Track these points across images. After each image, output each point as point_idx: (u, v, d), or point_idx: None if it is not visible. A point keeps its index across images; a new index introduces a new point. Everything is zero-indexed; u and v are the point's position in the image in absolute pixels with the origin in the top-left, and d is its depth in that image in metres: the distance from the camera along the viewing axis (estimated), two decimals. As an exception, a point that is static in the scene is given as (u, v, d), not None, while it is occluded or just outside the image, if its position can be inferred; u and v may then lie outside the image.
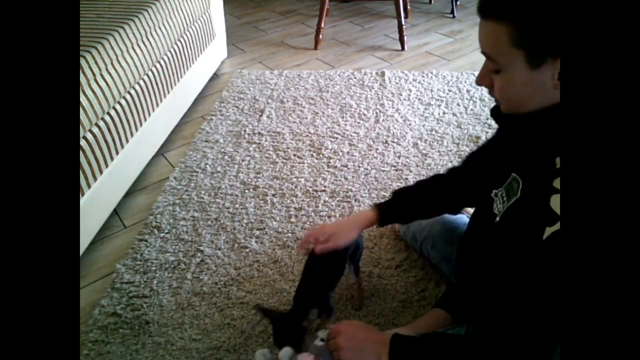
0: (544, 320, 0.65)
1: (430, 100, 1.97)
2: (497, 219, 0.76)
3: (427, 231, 1.19)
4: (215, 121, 1.90)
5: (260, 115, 1.93)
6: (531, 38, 0.64)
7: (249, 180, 1.58)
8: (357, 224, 1.02)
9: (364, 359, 0.78)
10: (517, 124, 0.75)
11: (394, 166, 1.61)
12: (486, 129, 1.77)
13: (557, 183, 0.65)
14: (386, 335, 0.79)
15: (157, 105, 1.66)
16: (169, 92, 1.74)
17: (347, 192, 1.52)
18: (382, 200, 1.06)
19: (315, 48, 2.50)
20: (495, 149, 0.91)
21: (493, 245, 0.79)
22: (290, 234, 1.37)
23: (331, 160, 1.66)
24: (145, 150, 1.62)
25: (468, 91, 2.02)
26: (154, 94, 1.62)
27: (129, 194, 1.54)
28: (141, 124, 1.55)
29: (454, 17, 2.81)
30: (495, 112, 0.78)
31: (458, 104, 1.91)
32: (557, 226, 0.62)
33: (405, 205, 1.05)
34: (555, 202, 0.64)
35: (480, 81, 0.74)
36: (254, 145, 1.75)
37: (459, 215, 1.15)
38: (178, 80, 1.81)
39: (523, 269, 0.68)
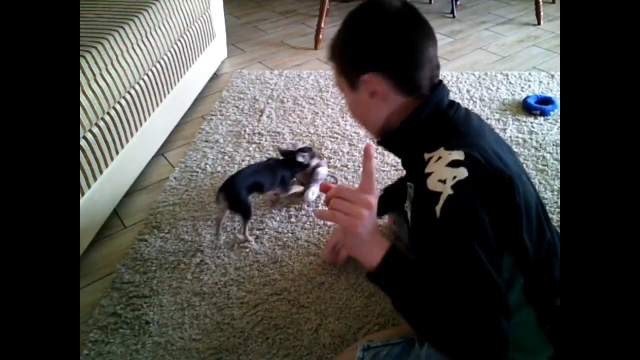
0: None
1: (430, 100, 1.96)
2: (409, 224, 0.85)
3: None
4: (215, 121, 1.90)
5: (260, 115, 1.93)
6: (344, 65, 0.84)
7: (249, 180, 1.58)
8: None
9: (360, 243, 0.75)
10: (390, 144, 0.89)
11: (394, 166, 1.61)
12: (486, 129, 1.77)
13: (427, 169, 0.75)
14: (385, 242, 0.78)
15: (157, 105, 1.66)
16: (169, 92, 1.74)
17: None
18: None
19: (315, 48, 2.49)
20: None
21: (414, 249, 0.86)
22: (290, 234, 1.37)
23: (331, 160, 1.66)
24: (145, 150, 1.62)
25: (468, 91, 2.02)
26: (154, 94, 1.62)
27: (129, 194, 1.54)
28: (141, 124, 1.55)
29: (453, 17, 2.81)
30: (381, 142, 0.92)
31: (458, 104, 1.91)
32: (440, 201, 0.71)
33: (392, 197, 1.19)
34: (431, 181, 0.73)
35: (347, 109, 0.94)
36: (254, 145, 1.75)
37: None
38: (178, 80, 1.81)
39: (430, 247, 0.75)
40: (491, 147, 0.77)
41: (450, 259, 0.70)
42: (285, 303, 1.18)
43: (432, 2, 3.05)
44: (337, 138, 1.77)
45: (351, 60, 0.82)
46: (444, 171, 0.72)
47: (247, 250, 1.33)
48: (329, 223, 1.39)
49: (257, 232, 1.38)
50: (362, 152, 1.68)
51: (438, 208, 0.71)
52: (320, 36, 2.48)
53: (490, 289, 0.69)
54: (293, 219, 1.42)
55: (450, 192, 0.70)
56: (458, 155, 0.73)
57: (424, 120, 0.81)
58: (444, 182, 0.71)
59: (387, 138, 0.88)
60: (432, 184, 0.73)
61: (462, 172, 0.71)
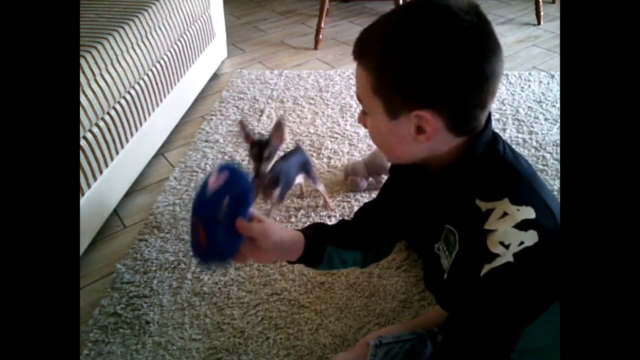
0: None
1: (430, 100, 1.96)
2: (445, 275, 0.75)
3: None
4: (215, 121, 1.90)
5: (260, 115, 1.93)
6: (387, 90, 0.63)
7: (249, 180, 1.58)
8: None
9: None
10: (422, 178, 0.74)
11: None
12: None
13: (489, 225, 0.64)
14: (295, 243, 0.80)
15: (157, 105, 1.66)
16: (169, 92, 1.74)
17: (347, 192, 1.52)
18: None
19: (315, 48, 2.49)
20: (414, 200, 0.84)
21: (446, 297, 0.80)
22: (290, 234, 1.37)
23: (331, 160, 1.66)
24: (145, 150, 1.62)
25: (468, 91, 2.01)
26: (154, 94, 1.62)
27: (129, 194, 1.54)
28: (141, 124, 1.55)
29: (454, 17, 2.80)
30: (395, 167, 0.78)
31: (458, 104, 1.91)
32: (495, 263, 0.62)
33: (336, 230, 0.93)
34: (491, 241, 0.63)
35: (358, 120, 0.73)
36: (254, 145, 1.75)
37: None
38: (178, 80, 1.81)
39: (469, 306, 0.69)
40: (548, 190, 0.68)
41: (483, 317, 0.67)
42: (285, 303, 1.18)
43: (432, 2, 3.05)
44: (337, 138, 1.77)
45: (403, 89, 0.62)
46: (511, 234, 0.62)
47: (247, 250, 1.33)
48: (328, 223, 1.39)
49: (257, 232, 1.38)
50: (362, 152, 1.69)
51: (488, 268, 0.62)
52: (320, 36, 2.48)
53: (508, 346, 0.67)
54: (293, 219, 1.42)
55: (511, 259, 0.61)
56: (528, 213, 0.62)
57: (479, 160, 0.67)
58: (507, 247, 0.61)
59: (421, 176, 0.73)
60: (493, 244, 0.62)
61: (532, 238, 0.61)
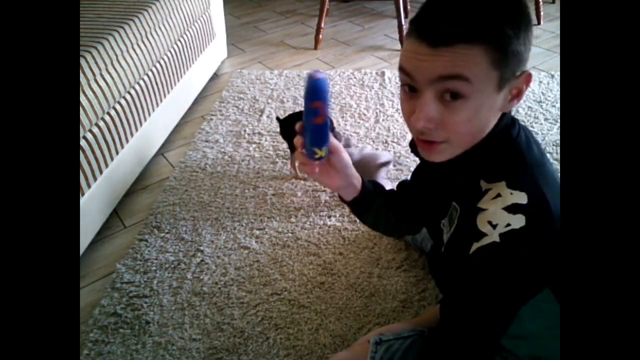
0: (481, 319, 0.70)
1: (430, 100, 1.96)
2: (443, 248, 0.77)
3: (425, 232, 1.19)
4: (215, 121, 1.90)
5: (260, 115, 1.93)
6: (507, 57, 0.62)
7: (249, 180, 1.58)
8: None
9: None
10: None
11: (394, 166, 1.61)
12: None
13: (482, 204, 0.67)
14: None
15: (157, 105, 1.66)
16: (169, 92, 1.74)
17: (347, 192, 1.52)
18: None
19: (315, 48, 2.50)
20: (428, 178, 0.88)
21: (444, 272, 0.82)
22: (290, 234, 1.37)
23: (331, 160, 1.66)
24: (145, 150, 1.62)
25: (468, 91, 2.01)
26: (154, 94, 1.62)
27: (129, 194, 1.54)
28: (141, 124, 1.55)
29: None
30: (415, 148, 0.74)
31: (458, 104, 1.91)
32: (482, 242, 0.64)
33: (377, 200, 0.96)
34: (481, 219, 0.66)
35: (429, 122, 0.63)
36: (254, 145, 1.75)
37: None
38: (178, 80, 1.81)
39: (459, 282, 0.71)
40: (555, 179, 0.68)
41: (470, 296, 0.69)
42: (285, 303, 1.18)
43: (432, 2, 3.05)
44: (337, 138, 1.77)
45: (520, 51, 0.62)
46: (499, 215, 0.64)
47: (247, 250, 1.33)
48: (328, 223, 1.40)
49: (257, 232, 1.38)
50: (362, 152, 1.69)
51: (476, 246, 0.65)
52: (320, 36, 2.48)
53: (496, 331, 0.70)
54: (293, 219, 1.42)
55: (497, 239, 0.63)
56: (520, 198, 0.64)
57: (492, 141, 0.68)
58: (494, 226, 0.64)
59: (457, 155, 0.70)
60: (482, 223, 0.65)
61: (519, 221, 0.63)
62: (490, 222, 0.64)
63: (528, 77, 0.66)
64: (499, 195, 0.65)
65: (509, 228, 0.63)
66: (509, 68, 0.62)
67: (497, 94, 0.64)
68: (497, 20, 0.60)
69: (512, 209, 0.63)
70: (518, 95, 0.66)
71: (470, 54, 0.60)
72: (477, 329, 0.71)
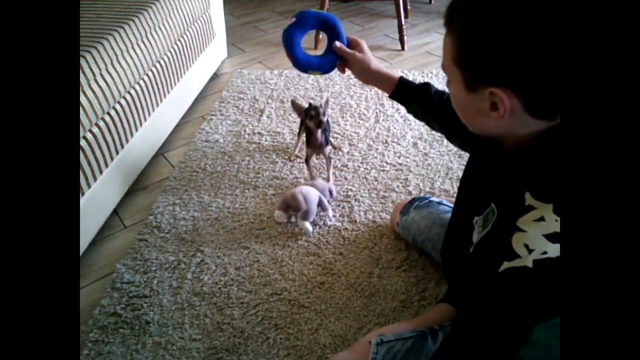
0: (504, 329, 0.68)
1: (430, 100, 1.96)
2: (472, 249, 0.76)
3: (426, 234, 1.19)
4: (215, 121, 1.90)
5: (260, 115, 1.93)
6: (466, 62, 0.62)
7: (249, 180, 1.58)
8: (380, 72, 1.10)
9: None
10: (489, 152, 0.74)
11: (394, 166, 1.61)
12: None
13: (523, 223, 0.63)
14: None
15: (157, 105, 1.66)
16: (169, 92, 1.74)
17: (347, 192, 1.52)
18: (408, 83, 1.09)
19: (315, 48, 2.49)
20: (476, 173, 0.87)
21: (467, 270, 0.81)
22: (290, 234, 1.37)
23: (331, 161, 1.66)
24: (145, 150, 1.62)
25: (468, 91, 2.01)
26: (154, 94, 1.62)
27: (129, 194, 1.54)
28: (141, 124, 1.55)
29: (454, 17, 2.80)
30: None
31: (458, 104, 1.91)
32: (514, 263, 0.62)
33: (422, 96, 1.03)
34: (517, 240, 0.63)
35: (447, 84, 0.74)
36: (254, 145, 1.75)
37: None
38: (178, 80, 1.81)
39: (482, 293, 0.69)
40: None
41: (490, 314, 0.67)
42: (285, 303, 1.18)
43: (432, 2, 3.05)
44: (337, 138, 1.77)
45: (481, 63, 0.61)
46: (539, 241, 0.61)
47: (247, 250, 1.33)
48: (328, 223, 1.40)
49: (257, 232, 1.38)
50: (362, 152, 1.69)
51: (507, 266, 0.63)
52: (320, 36, 2.48)
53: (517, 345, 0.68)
54: (293, 219, 1.42)
55: (530, 264, 0.61)
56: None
57: (548, 154, 0.66)
58: (530, 250, 0.61)
59: (492, 147, 0.72)
60: (518, 244, 0.62)
61: (556, 251, 0.60)
62: (527, 246, 0.62)
63: (493, 95, 0.61)
64: (542, 219, 0.62)
65: (545, 256, 0.60)
66: (471, 69, 0.62)
67: (469, 94, 0.65)
68: (461, 18, 0.61)
69: (553, 237, 0.61)
70: (494, 109, 0.63)
71: (446, 43, 0.65)
72: (490, 345, 0.69)
